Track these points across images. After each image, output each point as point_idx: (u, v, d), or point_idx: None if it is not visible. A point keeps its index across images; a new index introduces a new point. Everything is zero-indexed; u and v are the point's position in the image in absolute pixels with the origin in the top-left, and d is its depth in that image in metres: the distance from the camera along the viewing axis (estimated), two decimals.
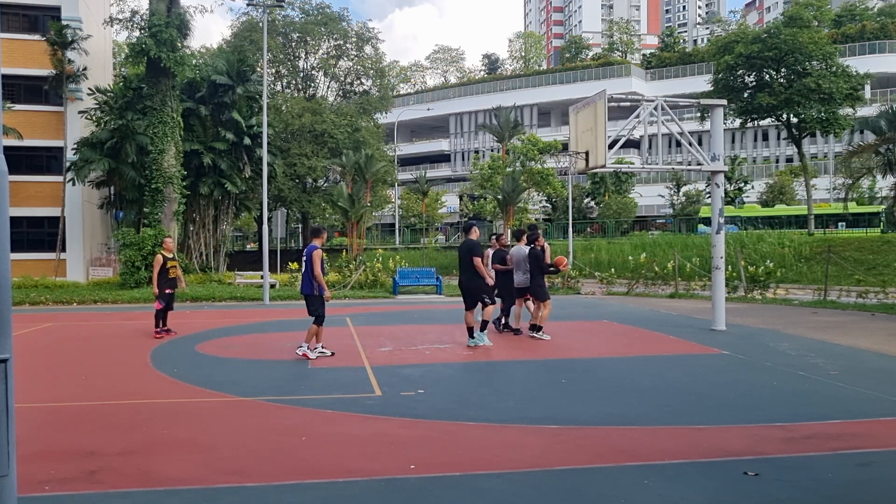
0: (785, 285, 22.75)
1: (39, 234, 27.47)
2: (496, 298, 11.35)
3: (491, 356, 10.02)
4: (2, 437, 2.33)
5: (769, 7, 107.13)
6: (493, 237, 13.05)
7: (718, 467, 4.94)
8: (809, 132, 39.94)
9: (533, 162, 49.87)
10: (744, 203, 54.84)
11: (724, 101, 13.72)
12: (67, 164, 26.34)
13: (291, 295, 20.94)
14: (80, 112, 27.56)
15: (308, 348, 9.79)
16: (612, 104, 11.87)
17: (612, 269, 25.64)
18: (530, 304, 12.03)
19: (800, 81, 36.29)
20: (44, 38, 26.32)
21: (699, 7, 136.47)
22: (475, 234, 10.84)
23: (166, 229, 25.76)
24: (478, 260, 10.48)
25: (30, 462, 5.04)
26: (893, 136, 31.03)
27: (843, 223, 43.82)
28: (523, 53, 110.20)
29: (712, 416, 6.44)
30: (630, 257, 28.35)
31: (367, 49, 47.56)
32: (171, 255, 12.35)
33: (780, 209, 49.74)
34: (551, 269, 11.64)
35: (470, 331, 10.79)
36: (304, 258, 9.61)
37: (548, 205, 60.07)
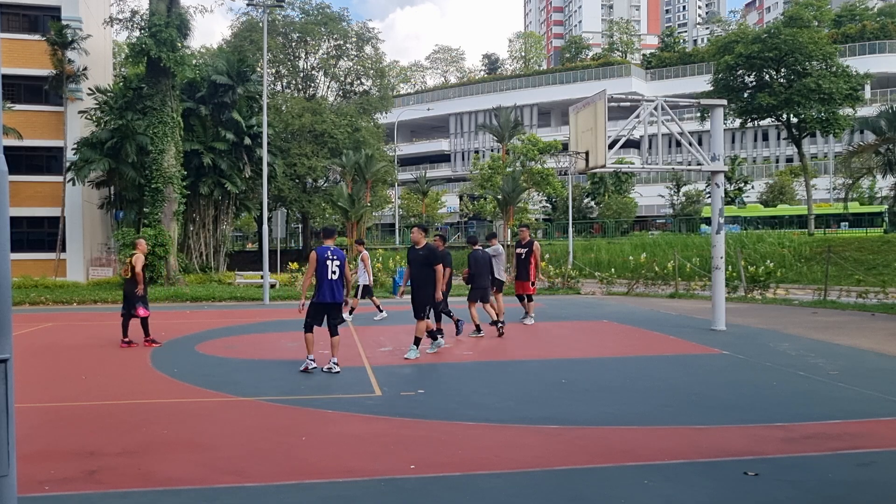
0: (785, 285, 22.75)
1: (39, 234, 27.46)
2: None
3: (491, 356, 10.01)
4: (2, 437, 2.33)
5: (769, 7, 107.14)
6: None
7: (718, 467, 4.94)
8: (809, 132, 39.95)
9: (533, 162, 49.87)
10: (744, 203, 54.84)
11: (724, 101, 13.73)
12: (67, 164, 26.34)
13: (291, 295, 20.93)
14: (80, 112, 27.55)
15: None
16: (612, 104, 11.87)
17: (612, 269, 25.63)
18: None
19: (800, 81, 36.29)
20: (44, 38, 26.30)
21: (699, 7, 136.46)
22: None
23: (166, 229, 25.77)
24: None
25: (30, 462, 5.04)
26: (893, 136, 31.02)
27: (847, 223, 43.76)
28: (523, 53, 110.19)
29: (712, 416, 6.44)
30: (630, 257, 28.33)
31: (367, 49, 47.59)
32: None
33: (784, 209, 49.73)
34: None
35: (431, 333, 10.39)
36: (338, 262, 8.65)
37: (548, 205, 60.06)
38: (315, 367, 8.77)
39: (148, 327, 11.14)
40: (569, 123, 13.13)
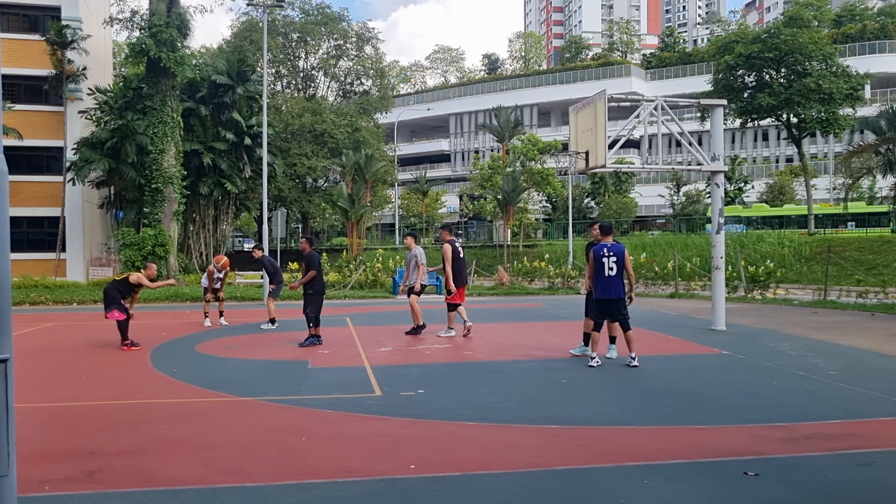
0: (785, 285, 22.74)
1: (39, 234, 27.47)
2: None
3: (491, 356, 10.01)
4: (2, 437, 2.33)
5: (769, 7, 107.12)
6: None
7: (718, 467, 4.94)
8: (809, 132, 39.93)
9: (533, 162, 49.85)
10: (745, 203, 54.82)
11: (724, 101, 13.73)
12: (67, 164, 26.35)
13: (291, 295, 20.89)
14: (80, 112, 27.56)
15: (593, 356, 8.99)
16: (612, 104, 11.87)
17: None
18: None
19: (800, 81, 36.29)
20: (44, 38, 26.32)
21: (699, 7, 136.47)
22: None
23: (166, 229, 25.78)
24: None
25: (30, 462, 5.04)
26: (893, 136, 31.02)
27: (854, 223, 43.63)
28: (523, 53, 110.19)
29: (712, 416, 6.44)
30: (630, 257, 28.35)
31: (368, 49, 47.63)
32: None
33: (789, 209, 49.70)
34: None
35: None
36: (614, 258, 8.85)
37: (548, 205, 60.05)
38: (598, 364, 8.91)
39: (126, 331, 10.77)
40: (569, 123, 13.12)
